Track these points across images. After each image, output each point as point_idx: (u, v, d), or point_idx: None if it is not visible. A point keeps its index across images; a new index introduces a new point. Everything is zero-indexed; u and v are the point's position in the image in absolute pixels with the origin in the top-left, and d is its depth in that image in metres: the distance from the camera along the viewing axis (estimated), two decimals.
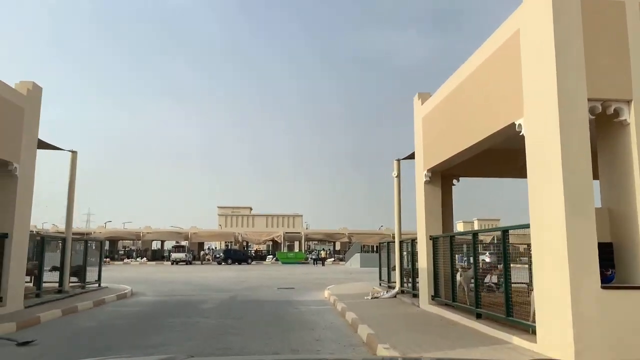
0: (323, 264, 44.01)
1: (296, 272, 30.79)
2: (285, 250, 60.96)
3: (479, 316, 8.82)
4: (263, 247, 69.14)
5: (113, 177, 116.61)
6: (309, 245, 70.20)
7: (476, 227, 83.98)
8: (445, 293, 10.66)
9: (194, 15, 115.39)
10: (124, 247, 68.02)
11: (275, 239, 58.31)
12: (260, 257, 58.45)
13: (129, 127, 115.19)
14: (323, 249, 47.51)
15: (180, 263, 47.66)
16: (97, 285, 15.73)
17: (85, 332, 8.80)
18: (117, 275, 25.47)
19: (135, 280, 21.47)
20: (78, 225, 73.82)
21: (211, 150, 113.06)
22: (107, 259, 48.16)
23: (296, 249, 64.82)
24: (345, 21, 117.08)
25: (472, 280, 9.43)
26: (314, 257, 46.50)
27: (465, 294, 10.01)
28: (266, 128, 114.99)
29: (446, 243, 10.55)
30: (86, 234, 56.72)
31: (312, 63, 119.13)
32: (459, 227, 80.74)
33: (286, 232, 59.32)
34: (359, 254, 41.72)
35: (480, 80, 8.64)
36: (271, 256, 55.92)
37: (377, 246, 59.63)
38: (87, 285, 15.04)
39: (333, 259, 51.86)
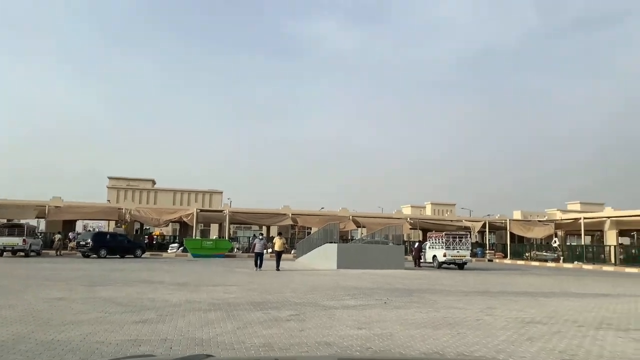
0: (278, 264, 20.99)
1: (261, 294, 11.96)
2: (199, 236, 42.13)
3: None
4: (166, 231, 50.16)
5: None
6: (234, 230, 52.08)
7: (429, 212, 70.33)
8: None
9: None
10: None
11: (185, 219, 39.19)
12: (159, 245, 39.13)
13: None
14: (280, 234, 24.20)
15: (20, 254, 28.01)
16: None
17: None
18: None
19: None
20: None
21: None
22: None
23: (212, 235, 46.33)
24: None
25: None
26: (258, 249, 20.96)
27: None
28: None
29: None
30: None
31: None
32: (406, 211, 66.48)
33: (201, 211, 40.47)
34: (334, 244, 23.27)
35: None
36: (176, 245, 36.87)
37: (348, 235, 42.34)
38: None
39: (271, 251, 33.66)
